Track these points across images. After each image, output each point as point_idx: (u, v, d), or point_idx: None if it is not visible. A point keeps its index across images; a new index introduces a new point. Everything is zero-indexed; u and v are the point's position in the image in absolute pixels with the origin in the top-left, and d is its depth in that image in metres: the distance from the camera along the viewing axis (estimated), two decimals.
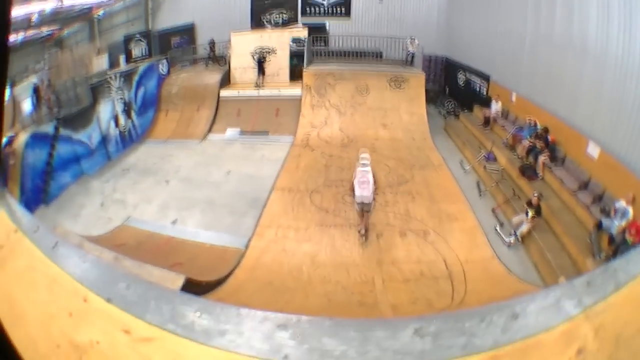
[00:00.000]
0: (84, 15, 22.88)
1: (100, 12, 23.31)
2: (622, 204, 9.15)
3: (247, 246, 10.21)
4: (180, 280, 7.36)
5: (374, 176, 10.10)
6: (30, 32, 20.38)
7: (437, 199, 12.40)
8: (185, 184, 13.80)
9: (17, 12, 17.51)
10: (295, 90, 19.04)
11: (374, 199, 10.42)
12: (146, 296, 1.84)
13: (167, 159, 15.92)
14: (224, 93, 19.70)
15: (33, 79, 16.45)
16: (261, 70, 20.11)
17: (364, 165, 10.09)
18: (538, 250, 9.88)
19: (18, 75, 16.79)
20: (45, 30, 21.11)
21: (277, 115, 18.65)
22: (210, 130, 18.49)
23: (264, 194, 12.59)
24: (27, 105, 15.24)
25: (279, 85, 19.94)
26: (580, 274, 8.68)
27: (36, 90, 15.63)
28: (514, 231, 10.58)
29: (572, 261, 9.28)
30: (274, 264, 9.61)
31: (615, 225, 9.04)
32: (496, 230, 11.03)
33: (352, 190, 10.16)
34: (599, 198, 10.49)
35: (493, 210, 11.97)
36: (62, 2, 19.40)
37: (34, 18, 19.50)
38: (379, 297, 8.55)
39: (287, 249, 10.16)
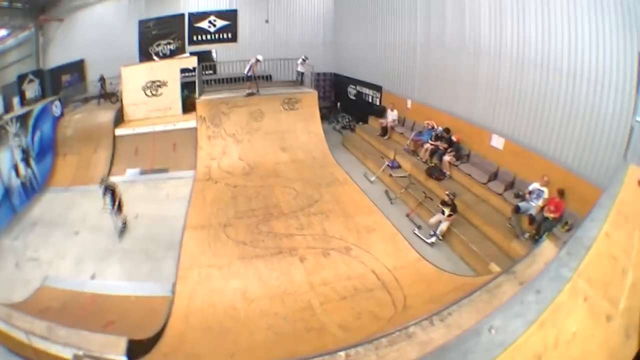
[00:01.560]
0: None
1: None
2: (536, 185, 9.80)
3: (173, 292, 9.47)
4: (123, 344, 6.65)
5: None
6: None
7: (350, 214, 12.37)
8: (95, 234, 12.64)
9: None
10: (189, 122, 18.31)
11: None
12: None
13: (72, 207, 14.64)
14: (119, 131, 18.42)
15: None
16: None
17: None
18: (462, 244, 10.18)
19: None
20: None
21: (174, 150, 17.75)
22: (109, 172, 17.12)
23: (177, 234, 11.89)
24: None
25: (173, 119, 19.13)
26: (508, 256, 9.10)
27: None
28: (434, 231, 10.79)
29: (497, 247, 9.65)
30: (206, 307, 8.97)
31: (533, 205, 9.67)
32: (415, 233, 11.18)
33: None
34: (510, 185, 11.09)
35: (407, 215, 12.18)
36: None
37: None
38: (323, 319, 8.21)
39: (214, 289, 9.54)
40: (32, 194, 15.85)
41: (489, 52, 12.23)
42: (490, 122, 12.35)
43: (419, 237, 11.00)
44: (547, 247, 5.58)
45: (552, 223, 9.08)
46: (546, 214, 9.22)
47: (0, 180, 14.40)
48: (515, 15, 11.17)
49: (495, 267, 8.63)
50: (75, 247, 12.07)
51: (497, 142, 11.90)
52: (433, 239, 10.66)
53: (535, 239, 9.04)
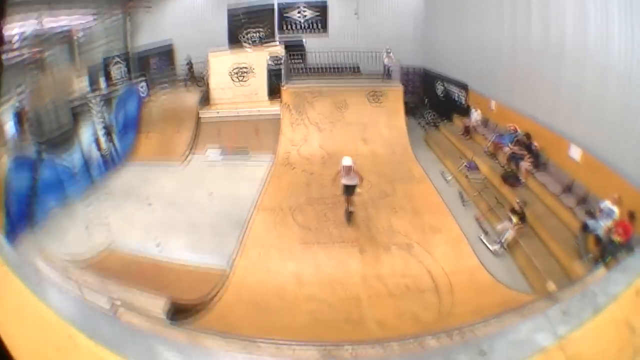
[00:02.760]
0: (64, 37, 22.79)
1: (80, 33, 23.26)
2: (607, 204, 9.00)
3: (231, 267, 10.01)
4: (165, 304, 7.30)
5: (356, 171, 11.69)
6: (12, 55, 20.18)
7: (420, 212, 12.24)
8: (168, 207, 13.53)
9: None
10: (274, 108, 18.85)
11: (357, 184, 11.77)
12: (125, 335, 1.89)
13: (149, 181, 15.65)
14: (204, 114, 19.44)
15: (15, 102, 16.21)
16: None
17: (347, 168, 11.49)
18: (525, 257, 9.70)
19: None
20: (26, 52, 20.95)
21: (257, 134, 18.36)
22: (191, 151, 18.26)
23: (247, 214, 12.40)
24: (9, 129, 14.96)
25: (258, 104, 19.70)
26: (569, 277, 8.60)
27: (18, 114, 15.36)
28: (499, 239, 10.41)
29: (560, 265, 9.10)
30: (259, 285, 9.41)
31: (601, 225, 8.87)
32: (481, 239, 10.84)
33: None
34: (583, 200, 10.37)
35: (476, 219, 11.79)
36: (41, 24, 19.30)
37: (15, 40, 19.33)
38: (365, 313, 8.33)
39: (271, 269, 9.95)
40: (111, 167, 17.09)
41: (572, 55, 11.42)
42: (571, 130, 11.53)
43: (484, 243, 10.67)
44: (599, 275, 5.26)
45: (617, 247, 8.28)
46: (613, 237, 8.44)
47: (80, 151, 15.70)
48: (599, 15, 10.28)
49: (552, 286, 8.20)
50: (146, 217, 12.92)
51: (575, 152, 11.13)
52: (497, 247, 10.28)
53: (597, 262, 8.36)
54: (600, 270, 5.32)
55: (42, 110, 16.21)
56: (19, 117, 15.32)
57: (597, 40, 10.39)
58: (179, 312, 7.59)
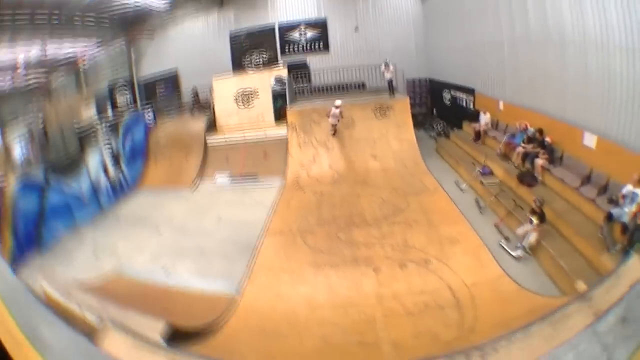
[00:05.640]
0: (69, 64, 23.19)
1: (85, 61, 23.69)
2: (629, 187, 8.34)
3: (240, 293, 9.63)
4: (160, 327, 6.96)
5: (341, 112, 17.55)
6: (18, 80, 20.60)
7: (435, 224, 11.70)
8: (177, 233, 13.49)
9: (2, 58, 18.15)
10: (281, 130, 18.77)
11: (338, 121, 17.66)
12: None
13: (159, 208, 15.81)
14: (211, 139, 19.58)
15: (22, 127, 16.48)
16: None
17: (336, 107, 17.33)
18: (549, 258, 9.03)
19: (7, 123, 17.15)
20: (32, 79, 21.36)
21: (265, 158, 18.29)
22: (199, 177, 18.29)
23: (256, 239, 12.12)
24: (17, 151, 15.54)
25: (265, 128, 19.70)
26: (598, 273, 7.92)
27: (25, 139, 15.82)
28: (520, 243, 9.78)
29: (587, 261, 8.44)
30: (268, 310, 8.99)
31: (626, 212, 8.19)
32: (502, 245, 10.20)
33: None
34: (604, 189, 9.69)
35: (495, 226, 11.17)
36: (45, 50, 19.68)
37: (20, 66, 19.72)
38: (380, 335, 7.75)
39: (281, 294, 9.51)
40: (120, 194, 17.32)
41: (573, 40, 10.93)
42: (582, 118, 10.96)
43: (505, 249, 10.03)
44: (634, 264, 4.66)
45: None
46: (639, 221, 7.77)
47: (88, 177, 15.87)
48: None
49: (582, 286, 7.50)
50: (155, 244, 12.90)
51: (590, 140, 10.50)
52: (519, 252, 9.62)
53: (627, 251, 7.58)
54: (633, 260, 4.70)
55: (49, 136, 16.86)
56: (27, 142, 15.63)
57: (596, 21, 9.99)
58: (182, 338, 7.20)
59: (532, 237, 9.59)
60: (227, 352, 7.36)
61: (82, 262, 12.25)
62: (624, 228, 8.15)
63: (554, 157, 11.76)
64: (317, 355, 7.35)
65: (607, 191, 9.53)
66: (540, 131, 12.38)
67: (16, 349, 4.07)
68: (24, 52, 18.94)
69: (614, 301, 3.83)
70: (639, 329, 2.25)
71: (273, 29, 24.23)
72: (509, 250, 9.91)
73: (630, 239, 7.84)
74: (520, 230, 10.03)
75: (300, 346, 7.71)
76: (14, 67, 18.87)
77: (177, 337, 7.00)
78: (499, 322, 7.14)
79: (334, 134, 18.02)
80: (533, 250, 9.62)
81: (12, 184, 13.21)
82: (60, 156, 16.09)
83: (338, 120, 17.66)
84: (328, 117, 17.74)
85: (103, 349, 4.13)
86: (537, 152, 12.01)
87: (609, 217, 8.49)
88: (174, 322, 7.28)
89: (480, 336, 6.79)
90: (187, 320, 8.06)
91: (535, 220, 9.60)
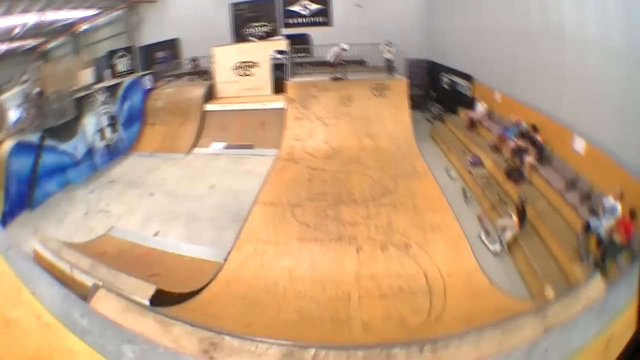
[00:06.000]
0: (67, 29, 22.99)
1: (83, 26, 23.48)
2: (610, 200, 8.37)
3: (225, 259, 9.93)
4: (150, 290, 7.34)
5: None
6: (14, 44, 20.41)
7: (420, 209, 11.86)
8: (169, 197, 13.82)
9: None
10: (279, 102, 18.78)
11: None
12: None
13: (153, 172, 16.11)
14: (209, 107, 19.64)
15: (18, 90, 16.52)
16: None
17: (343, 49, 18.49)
18: (524, 258, 9.25)
19: (3, 85, 17.59)
20: (29, 42, 21.16)
21: (261, 128, 18.41)
22: (195, 144, 18.48)
23: (246, 208, 12.35)
24: (12, 115, 15.55)
25: (263, 98, 19.70)
26: (568, 281, 8.21)
27: (21, 101, 15.84)
28: (499, 236, 10.03)
29: (559, 268, 8.63)
30: (250, 278, 9.30)
31: (603, 225, 8.23)
32: (481, 238, 10.46)
33: None
34: (587, 196, 9.79)
35: (479, 218, 11.42)
36: (44, 15, 19.51)
37: (17, 30, 19.57)
38: (352, 314, 8.06)
39: (265, 264, 9.83)
40: (115, 156, 17.66)
41: (572, 37, 10.87)
42: (575, 120, 10.93)
43: (484, 243, 10.28)
44: (593, 286, 4.91)
45: (617, 249, 7.71)
46: (615, 237, 7.86)
47: (84, 139, 16.15)
48: None
49: (550, 292, 7.74)
50: (146, 206, 13.28)
51: (579, 145, 10.56)
52: (497, 247, 9.86)
53: (598, 265, 7.80)
54: (595, 280, 4.96)
55: (46, 99, 16.79)
56: (23, 104, 15.76)
57: (596, 21, 9.97)
58: (168, 301, 7.49)
59: (510, 234, 9.83)
60: (206, 316, 7.59)
61: (73, 222, 12.57)
62: (599, 241, 8.22)
63: (543, 155, 11.88)
64: (290, 327, 7.60)
65: (590, 199, 9.61)
66: (535, 127, 12.40)
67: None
68: (21, 17, 18.78)
69: (564, 321, 4.11)
70: (580, 350, 2.47)
71: (275, 0, 24.06)
72: (488, 244, 10.13)
73: (602, 253, 7.98)
74: (501, 222, 10.26)
75: (277, 317, 8.01)
76: (9, 32, 18.69)
77: (162, 300, 7.31)
78: (464, 316, 7.45)
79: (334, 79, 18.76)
80: (510, 247, 9.85)
81: (6, 147, 13.31)
82: (56, 119, 16.12)
83: (338, 63, 18.53)
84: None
85: (93, 308, 4.38)
86: (528, 148, 12.15)
87: (587, 227, 8.59)
88: (162, 286, 7.58)
89: (443, 326, 7.16)
90: (175, 284, 8.37)
91: (514, 218, 9.86)
